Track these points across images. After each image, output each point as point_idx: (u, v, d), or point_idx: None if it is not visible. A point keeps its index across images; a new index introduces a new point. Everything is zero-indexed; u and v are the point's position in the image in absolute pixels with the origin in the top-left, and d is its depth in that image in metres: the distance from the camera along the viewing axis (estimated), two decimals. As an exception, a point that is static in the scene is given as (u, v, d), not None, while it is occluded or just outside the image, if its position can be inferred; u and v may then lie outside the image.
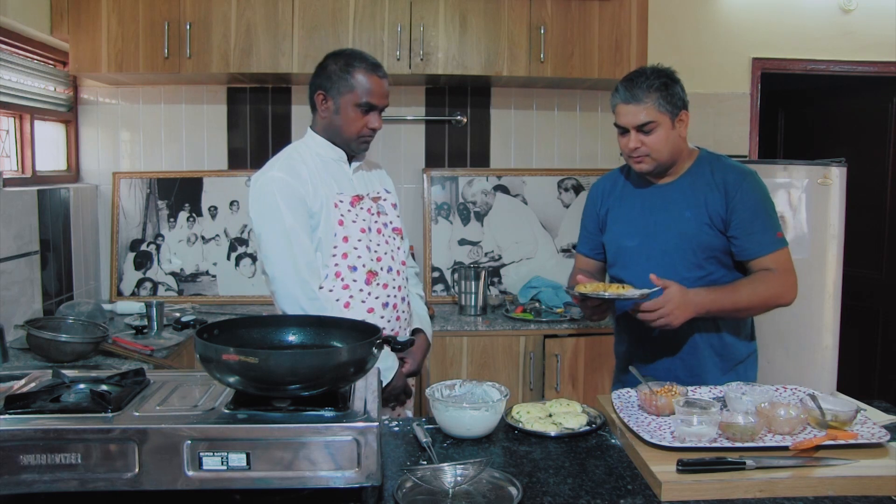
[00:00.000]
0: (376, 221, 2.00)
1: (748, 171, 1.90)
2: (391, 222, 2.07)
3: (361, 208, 1.97)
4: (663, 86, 1.84)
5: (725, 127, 3.66)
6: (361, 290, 1.93)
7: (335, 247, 1.91)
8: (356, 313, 1.91)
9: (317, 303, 1.85)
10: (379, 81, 1.94)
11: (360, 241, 1.93)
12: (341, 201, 1.93)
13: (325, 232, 1.91)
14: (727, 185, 1.86)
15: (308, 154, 1.96)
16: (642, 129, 1.84)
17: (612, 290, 1.78)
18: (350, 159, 2.03)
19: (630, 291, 1.76)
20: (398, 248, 2.07)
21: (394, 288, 2.00)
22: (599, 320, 1.97)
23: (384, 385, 1.92)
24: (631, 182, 2.03)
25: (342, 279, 1.91)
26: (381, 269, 1.97)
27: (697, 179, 1.91)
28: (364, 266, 1.93)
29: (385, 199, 2.09)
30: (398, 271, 2.03)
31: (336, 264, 1.91)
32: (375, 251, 1.97)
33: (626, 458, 1.47)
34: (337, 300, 1.91)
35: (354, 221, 1.94)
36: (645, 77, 1.85)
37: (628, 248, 1.97)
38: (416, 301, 2.18)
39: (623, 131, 1.89)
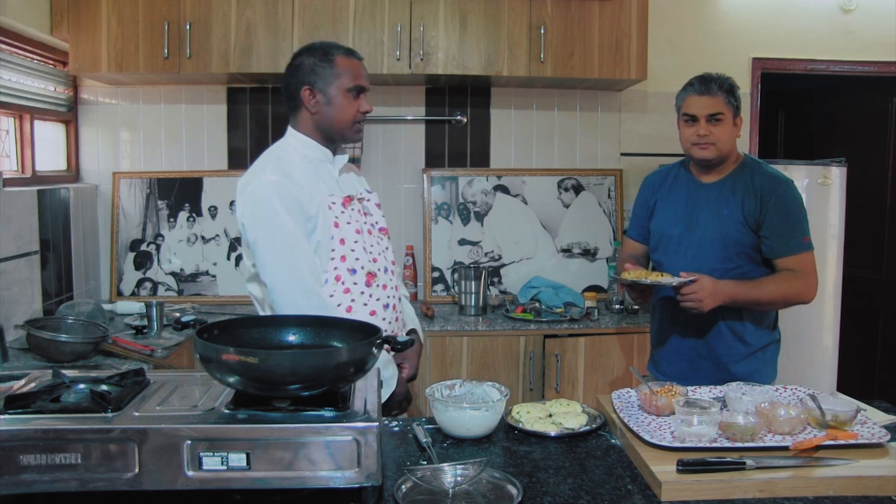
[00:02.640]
0: (366, 223, 1.98)
1: (785, 180, 2.11)
2: (377, 223, 2.05)
3: (353, 209, 1.94)
4: (731, 87, 2.10)
5: (725, 127, 3.65)
6: (363, 293, 1.91)
7: (333, 250, 1.88)
8: (358, 316, 1.88)
9: (322, 310, 1.78)
10: (359, 64, 1.95)
11: (356, 242, 1.91)
12: (334, 203, 1.90)
13: (323, 235, 1.87)
14: (763, 190, 2.07)
15: (295, 155, 1.92)
16: (713, 118, 2.07)
17: (652, 278, 2.02)
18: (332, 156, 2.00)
19: (666, 279, 1.99)
20: (387, 249, 2.06)
21: (391, 289, 2.00)
22: (643, 303, 2.34)
23: (389, 394, 1.92)
24: (680, 178, 2.25)
25: (342, 283, 1.89)
26: (379, 269, 1.96)
27: (739, 182, 2.11)
28: (363, 268, 1.91)
29: (369, 200, 2.07)
30: (392, 271, 2.04)
31: (335, 268, 1.88)
32: (370, 252, 1.95)
33: (626, 458, 1.47)
34: (339, 305, 1.88)
35: (349, 223, 1.91)
36: (717, 77, 2.11)
37: (671, 236, 2.20)
38: (405, 302, 2.18)
39: (690, 121, 2.10)
